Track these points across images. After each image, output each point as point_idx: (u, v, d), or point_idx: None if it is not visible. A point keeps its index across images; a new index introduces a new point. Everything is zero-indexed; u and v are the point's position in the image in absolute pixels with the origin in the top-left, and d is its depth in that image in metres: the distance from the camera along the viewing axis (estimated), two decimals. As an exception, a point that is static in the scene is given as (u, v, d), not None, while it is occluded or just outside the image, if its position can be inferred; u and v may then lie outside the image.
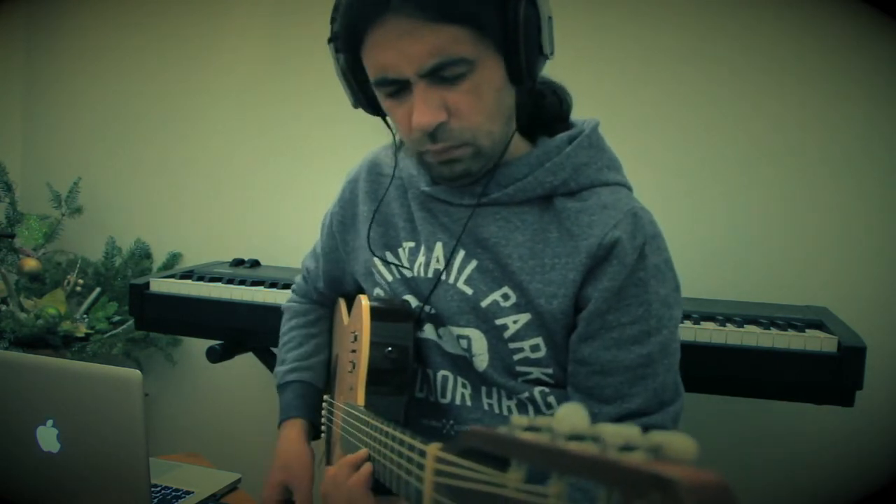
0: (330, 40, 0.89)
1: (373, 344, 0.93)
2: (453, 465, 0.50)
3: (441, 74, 0.81)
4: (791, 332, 1.26)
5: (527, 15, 0.81)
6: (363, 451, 0.81)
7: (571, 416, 0.37)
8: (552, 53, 0.87)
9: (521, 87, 0.87)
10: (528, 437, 0.38)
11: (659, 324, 0.89)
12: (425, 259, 0.97)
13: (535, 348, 0.92)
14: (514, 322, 0.92)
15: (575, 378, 0.91)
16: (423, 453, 0.59)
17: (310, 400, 1.12)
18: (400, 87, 0.84)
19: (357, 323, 0.97)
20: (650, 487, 0.29)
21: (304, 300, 1.22)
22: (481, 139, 0.86)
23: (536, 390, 0.93)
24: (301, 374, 1.13)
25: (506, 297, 0.92)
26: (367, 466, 0.79)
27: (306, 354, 1.15)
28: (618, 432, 0.34)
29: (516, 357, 0.92)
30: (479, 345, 0.93)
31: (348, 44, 0.85)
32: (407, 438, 0.66)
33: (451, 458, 0.51)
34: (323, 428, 1.12)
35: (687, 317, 1.33)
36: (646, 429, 0.88)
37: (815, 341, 1.24)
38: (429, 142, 0.86)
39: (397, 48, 0.80)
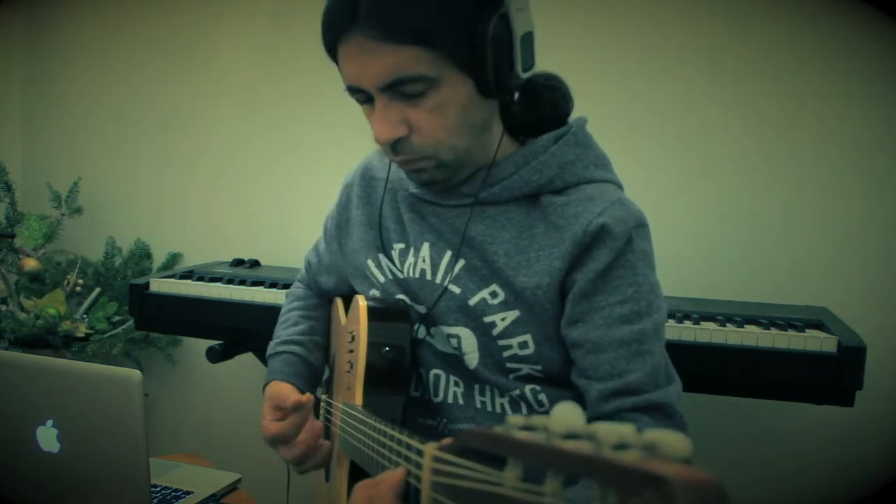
0: None
1: (370, 344, 0.94)
2: (450, 464, 0.51)
3: (400, 90, 0.83)
4: (791, 332, 1.26)
5: (496, 33, 0.82)
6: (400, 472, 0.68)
7: (566, 414, 0.38)
8: (530, 68, 0.87)
9: (495, 100, 0.89)
10: (524, 435, 0.39)
11: (650, 308, 0.89)
12: (414, 260, 0.99)
13: (523, 345, 0.92)
14: (503, 319, 0.92)
15: (574, 364, 0.92)
16: (420, 452, 0.59)
17: (296, 368, 1.10)
18: (367, 97, 0.86)
19: (354, 323, 0.98)
20: (644, 485, 0.30)
21: (307, 289, 1.24)
22: (443, 153, 0.88)
23: (528, 388, 0.94)
24: (290, 346, 1.11)
25: (494, 294, 0.93)
26: (399, 472, 0.68)
27: (299, 332, 1.14)
28: (612, 431, 0.34)
29: (505, 354, 0.93)
30: (468, 343, 0.94)
31: (328, 51, 0.88)
32: (404, 438, 0.66)
33: (449, 458, 0.52)
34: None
35: (687, 317, 1.33)
36: (644, 408, 0.88)
37: (815, 341, 1.24)
38: (392, 153, 0.89)
39: (359, 62, 0.83)
